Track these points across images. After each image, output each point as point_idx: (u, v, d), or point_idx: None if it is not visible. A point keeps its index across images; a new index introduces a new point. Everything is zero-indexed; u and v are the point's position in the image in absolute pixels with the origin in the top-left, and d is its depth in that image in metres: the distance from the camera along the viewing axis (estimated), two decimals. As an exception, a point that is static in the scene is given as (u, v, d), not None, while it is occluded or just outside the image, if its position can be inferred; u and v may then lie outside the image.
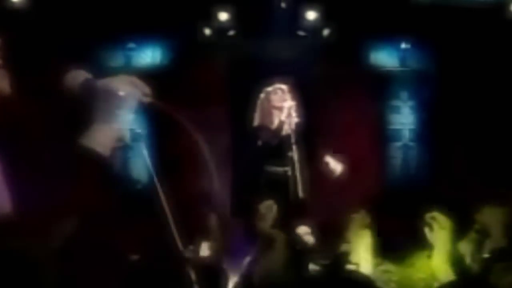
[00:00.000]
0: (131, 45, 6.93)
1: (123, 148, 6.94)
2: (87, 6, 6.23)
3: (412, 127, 7.04)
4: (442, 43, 6.64)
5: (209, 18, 6.57)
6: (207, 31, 6.66)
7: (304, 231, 4.71)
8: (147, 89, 1.52)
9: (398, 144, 7.05)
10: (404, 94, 7.06)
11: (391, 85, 7.06)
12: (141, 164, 6.94)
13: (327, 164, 5.29)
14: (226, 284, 3.67)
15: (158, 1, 6.38)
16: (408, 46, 7.01)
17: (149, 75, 7.60)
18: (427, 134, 6.97)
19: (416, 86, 7.02)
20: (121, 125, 1.44)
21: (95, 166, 1.34)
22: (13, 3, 6.22)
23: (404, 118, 7.06)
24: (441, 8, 6.27)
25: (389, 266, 4.23)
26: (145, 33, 6.78)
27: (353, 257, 4.20)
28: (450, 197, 6.47)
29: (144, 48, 6.94)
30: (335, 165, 5.33)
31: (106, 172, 1.36)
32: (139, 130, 1.58)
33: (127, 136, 1.49)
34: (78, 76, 1.47)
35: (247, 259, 4.65)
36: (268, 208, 4.81)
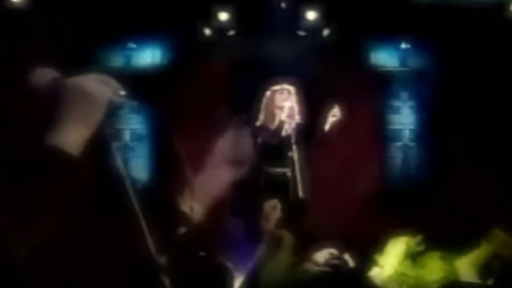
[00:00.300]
0: (131, 45, 6.93)
1: (123, 148, 6.95)
2: (87, 6, 6.23)
3: (412, 127, 7.04)
4: (442, 43, 6.64)
5: (209, 18, 6.57)
6: (207, 31, 6.66)
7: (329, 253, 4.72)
8: (119, 88, 1.46)
9: (398, 144, 7.04)
10: (404, 94, 7.06)
11: (391, 85, 7.05)
12: (141, 164, 6.96)
13: (333, 116, 5.33)
14: (231, 283, 3.68)
15: (158, 1, 6.38)
16: (408, 46, 7.01)
17: (149, 75, 7.61)
18: (427, 134, 6.97)
19: (416, 86, 7.01)
20: (92, 124, 1.40)
21: (64, 166, 1.32)
22: (13, 3, 6.22)
23: (404, 118, 7.05)
24: (441, 8, 6.26)
25: (404, 269, 4.25)
26: (145, 33, 6.78)
27: (381, 260, 4.23)
28: (450, 198, 6.48)
29: (144, 48, 6.94)
30: (334, 113, 5.36)
31: (77, 172, 1.34)
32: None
33: (103, 135, 1.45)
34: (45, 75, 1.43)
35: (252, 258, 4.65)
36: (273, 208, 4.82)
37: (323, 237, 5.40)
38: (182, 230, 4.76)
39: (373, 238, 5.65)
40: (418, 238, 4.59)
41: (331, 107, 5.34)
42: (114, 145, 1.53)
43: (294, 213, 4.99)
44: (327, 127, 5.36)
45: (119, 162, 1.53)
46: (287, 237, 4.47)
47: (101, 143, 1.47)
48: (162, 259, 1.63)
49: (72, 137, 1.35)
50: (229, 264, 4.25)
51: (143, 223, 1.55)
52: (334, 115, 5.35)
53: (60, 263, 1.41)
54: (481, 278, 3.57)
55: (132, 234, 1.55)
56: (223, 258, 4.39)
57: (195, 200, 4.91)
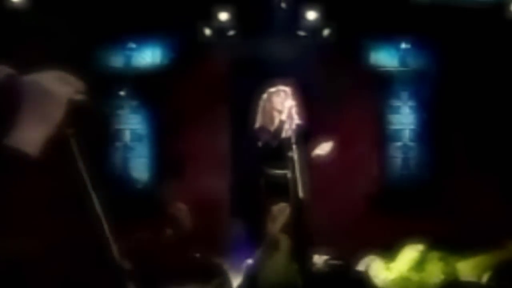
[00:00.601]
0: (131, 45, 6.93)
1: (122, 148, 6.95)
2: (87, 6, 6.23)
3: (412, 127, 7.04)
4: (442, 43, 6.64)
5: (209, 18, 6.56)
6: (207, 31, 6.66)
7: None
8: (80, 86, 1.37)
9: (398, 144, 7.04)
10: (404, 94, 7.06)
11: (391, 85, 7.05)
12: (141, 164, 6.96)
13: (319, 154, 5.26)
14: (227, 284, 3.68)
15: (158, 1, 6.38)
16: (408, 46, 7.01)
17: (149, 75, 7.60)
18: (427, 134, 6.97)
19: (416, 86, 7.01)
20: (52, 124, 1.31)
21: (23, 168, 1.25)
22: (13, 3, 6.22)
23: (404, 118, 7.05)
24: (441, 8, 6.26)
25: (407, 274, 4.25)
26: (145, 33, 6.78)
27: (389, 265, 4.22)
28: (450, 197, 6.48)
29: (144, 48, 6.94)
30: (324, 148, 5.26)
31: (36, 174, 1.27)
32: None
33: (64, 135, 1.38)
34: None
35: (251, 260, 4.65)
36: (281, 211, 4.80)
37: (323, 237, 5.40)
38: (170, 232, 4.76)
39: (373, 238, 5.65)
40: (428, 244, 4.59)
41: (324, 140, 5.26)
42: (76, 145, 1.44)
43: (294, 213, 4.98)
44: (312, 155, 5.27)
45: (80, 163, 1.45)
46: (284, 240, 4.45)
47: (62, 144, 1.39)
48: (127, 265, 1.56)
49: (30, 137, 1.27)
50: (226, 265, 4.25)
51: (106, 227, 1.48)
52: (322, 150, 5.26)
53: (21, 265, 1.36)
54: (487, 281, 3.58)
55: (95, 238, 1.48)
56: (220, 259, 4.39)
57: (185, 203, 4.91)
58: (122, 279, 1.53)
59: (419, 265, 4.38)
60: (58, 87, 1.33)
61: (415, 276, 4.24)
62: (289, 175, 5.15)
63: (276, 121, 5.35)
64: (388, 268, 4.35)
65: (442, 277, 4.03)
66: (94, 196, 1.45)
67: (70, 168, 1.42)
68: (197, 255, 4.56)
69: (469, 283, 3.76)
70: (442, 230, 5.61)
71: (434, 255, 4.36)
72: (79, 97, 1.36)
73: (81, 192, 1.43)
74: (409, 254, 4.40)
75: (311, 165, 5.24)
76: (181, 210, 5.03)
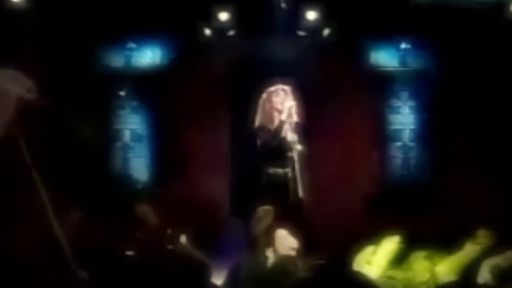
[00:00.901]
0: (131, 45, 6.93)
1: (123, 148, 6.95)
2: (87, 6, 6.23)
3: (412, 127, 7.04)
4: (442, 43, 6.64)
5: (209, 18, 6.56)
6: (207, 31, 6.66)
7: (283, 235, 4.50)
8: (30, 84, 1.36)
9: (398, 144, 7.04)
10: (404, 94, 7.06)
11: (391, 85, 7.05)
12: (141, 164, 6.96)
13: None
14: (208, 278, 3.66)
15: (158, 1, 6.38)
16: (408, 46, 7.00)
17: (149, 75, 7.60)
18: (427, 134, 6.96)
19: (416, 86, 7.01)
20: (0, 122, 1.29)
21: None
22: (13, 3, 6.22)
23: (404, 118, 7.05)
24: (441, 8, 6.27)
25: (392, 272, 4.23)
26: (145, 33, 6.78)
27: (370, 259, 4.19)
28: (450, 197, 6.48)
29: (144, 48, 6.94)
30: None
31: None
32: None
33: (13, 134, 1.34)
34: None
35: (236, 259, 4.63)
36: (265, 213, 4.79)
37: (322, 237, 5.41)
38: (138, 234, 4.75)
39: (372, 238, 5.64)
40: (406, 237, 4.57)
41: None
42: (23, 143, 1.40)
43: (293, 213, 4.99)
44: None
45: (30, 163, 1.41)
46: (265, 241, 4.43)
47: (10, 143, 1.35)
48: (82, 273, 1.50)
49: None
50: (207, 260, 4.22)
51: (57, 230, 1.42)
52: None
53: None
54: (465, 279, 3.57)
55: (46, 241, 1.43)
56: (203, 255, 4.37)
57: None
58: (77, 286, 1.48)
59: (400, 261, 4.36)
60: (8, 85, 1.28)
61: (400, 275, 4.22)
62: (290, 174, 5.16)
63: (276, 121, 5.35)
64: (368, 262, 4.33)
65: (428, 275, 4.02)
66: (44, 197, 1.40)
67: (19, 169, 1.37)
68: (169, 247, 4.54)
69: (454, 282, 3.75)
70: (442, 230, 5.61)
71: (420, 254, 4.34)
72: (29, 95, 1.32)
73: (30, 193, 1.38)
74: (387, 247, 4.36)
75: (311, 165, 5.25)
76: (145, 209, 5.04)
